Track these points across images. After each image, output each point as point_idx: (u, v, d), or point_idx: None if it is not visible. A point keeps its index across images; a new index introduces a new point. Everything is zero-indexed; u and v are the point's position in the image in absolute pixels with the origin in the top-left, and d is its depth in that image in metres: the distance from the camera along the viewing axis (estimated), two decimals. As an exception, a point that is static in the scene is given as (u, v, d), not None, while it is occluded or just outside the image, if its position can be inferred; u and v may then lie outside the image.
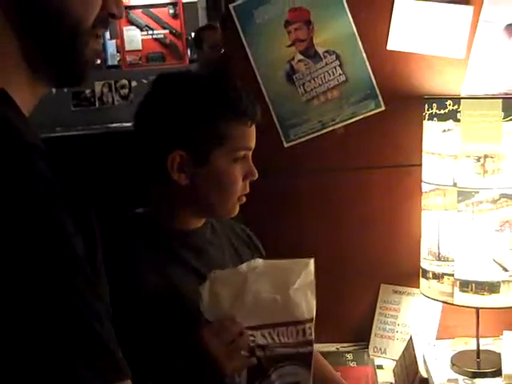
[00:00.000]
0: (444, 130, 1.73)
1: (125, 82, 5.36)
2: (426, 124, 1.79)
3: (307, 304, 1.19)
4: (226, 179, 1.33)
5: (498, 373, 1.78)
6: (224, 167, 1.32)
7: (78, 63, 0.79)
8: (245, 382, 1.15)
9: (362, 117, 1.97)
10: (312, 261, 1.20)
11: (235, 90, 1.38)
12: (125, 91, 5.31)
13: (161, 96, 1.37)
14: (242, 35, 1.95)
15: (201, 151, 1.31)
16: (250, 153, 1.41)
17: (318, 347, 2.04)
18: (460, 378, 1.82)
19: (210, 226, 1.44)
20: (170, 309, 1.24)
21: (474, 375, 1.81)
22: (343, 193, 2.01)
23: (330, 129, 1.98)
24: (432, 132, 1.77)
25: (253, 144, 1.41)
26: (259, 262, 1.20)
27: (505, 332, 1.86)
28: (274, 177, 2.01)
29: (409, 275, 1.96)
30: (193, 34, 5.52)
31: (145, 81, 5.07)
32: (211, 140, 1.32)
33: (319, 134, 1.99)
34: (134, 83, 5.36)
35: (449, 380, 1.81)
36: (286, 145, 2.00)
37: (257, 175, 1.38)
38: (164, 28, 5.80)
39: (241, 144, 1.36)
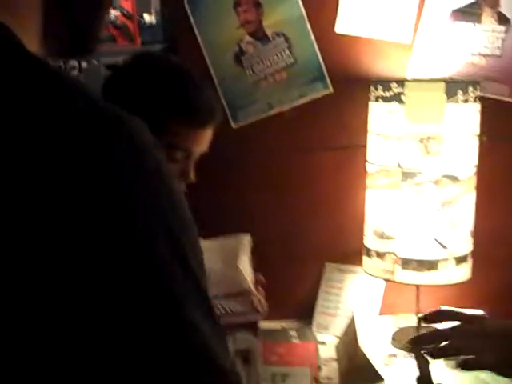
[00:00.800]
0: (389, 112, 1.77)
1: (75, 63, 5.28)
2: (372, 106, 1.83)
3: (251, 276, 1.22)
4: None
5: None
6: None
7: (98, 35, 0.77)
8: None
9: (309, 99, 1.99)
10: (249, 236, 1.22)
11: (197, 91, 1.38)
12: (75, 72, 5.23)
13: (131, 73, 1.40)
14: (190, 16, 1.96)
15: None
16: (196, 155, 1.40)
17: (263, 325, 2.07)
18: (400, 352, 1.87)
19: None
20: None
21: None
22: (290, 174, 2.04)
23: (278, 110, 2.01)
24: (377, 114, 1.81)
25: (199, 147, 1.39)
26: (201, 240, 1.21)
27: (442, 307, 1.92)
28: (221, 158, 2.02)
29: (353, 254, 2.00)
30: (144, 16, 5.45)
31: (95, 62, 5.00)
32: (154, 129, 1.30)
33: (267, 115, 2.01)
34: (84, 64, 5.28)
35: (389, 355, 1.86)
36: (233, 126, 2.02)
37: (191, 180, 1.35)
38: (115, 9, 5.72)
39: (181, 145, 1.35)
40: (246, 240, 1.23)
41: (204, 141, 1.38)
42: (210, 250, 1.21)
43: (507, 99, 1.94)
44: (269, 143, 2.03)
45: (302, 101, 1.99)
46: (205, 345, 0.56)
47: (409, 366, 1.81)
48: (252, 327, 1.21)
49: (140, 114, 1.23)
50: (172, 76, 1.38)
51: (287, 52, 1.98)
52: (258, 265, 2.08)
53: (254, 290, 1.22)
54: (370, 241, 1.86)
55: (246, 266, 1.22)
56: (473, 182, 1.78)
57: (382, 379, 1.70)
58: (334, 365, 1.82)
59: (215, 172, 2.04)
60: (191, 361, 0.55)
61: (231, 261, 1.20)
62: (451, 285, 1.81)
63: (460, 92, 1.72)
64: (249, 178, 2.05)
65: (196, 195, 2.02)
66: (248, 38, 1.97)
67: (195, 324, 0.56)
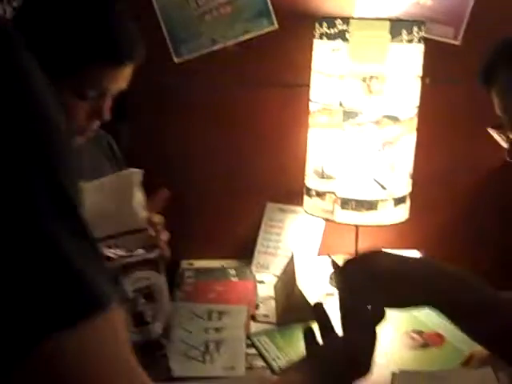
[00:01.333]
0: (333, 50, 1.74)
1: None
2: (316, 43, 1.79)
3: (145, 212, 1.20)
4: (65, 109, 1.24)
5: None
6: (66, 98, 1.18)
7: None
8: None
9: (254, 35, 1.94)
10: (140, 171, 1.18)
11: (117, 22, 1.23)
12: (16, 4, 5.02)
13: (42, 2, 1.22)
14: None
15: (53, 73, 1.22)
16: (111, 93, 1.26)
17: (203, 264, 2.08)
18: (337, 291, 1.89)
19: None
20: None
21: (351, 289, 1.89)
22: (233, 111, 2.00)
23: (222, 46, 1.96)
24: (321, 51, 1.77)
25: (115, 86, 1.25)
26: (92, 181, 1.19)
27: (382, 249, 1.93)
28: (164, 93, 1.98)
29: (294, 194, 1.99)
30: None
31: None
32: (67, 65, 1.18)
33: (211, 50, 1.96)
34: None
35: (327, 294, 1.88)
36: (176, 60, 1.96)
37: (107, 119, 1.24)
38: None
39: (96, 84, 1.21)
40: (138, 175, 1.18)
41: (122, 79, 1.25)
42: (103, 189, 1.17)
43: (451, 41, 1.93)
44: (212, 79, 1.99)
45: (247, 36, 1.94)
46: (65, 256, 0.55)
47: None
48: (152, 264, 1.19)
49: (50, 49, 1.13)
50: (88, 4, 1.20)
51: (232, -15, 1.92)
52: (199, 201, 2.07)
53: (150, 225, 1.19)
54: (310, 180, 1.85)
55: (139, 202, 1.19)
56: (413, 123, 1.78)
57: (318, 318, 1.72)
58: (272, 303, 1.83)
59: (157, 108, 2.00)
60: (48, 266, 0.54)
61: (124, 198, 1.17)
62: (390, 225, 1.82)
63: (404, 32, 1.69)
64: (192, 113, 2.01)
65: (139, 131, 1.99)
66: (192, -32, 1.91)
67: (55, 236, 0.54)
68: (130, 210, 1.17)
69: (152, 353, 1.22)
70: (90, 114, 1.22)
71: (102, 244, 1.12)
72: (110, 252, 1.14)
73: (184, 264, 2.08)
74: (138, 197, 1.19)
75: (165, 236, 1.27)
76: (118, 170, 1.36)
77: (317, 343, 1.00)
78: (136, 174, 1.19)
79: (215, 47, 1.95)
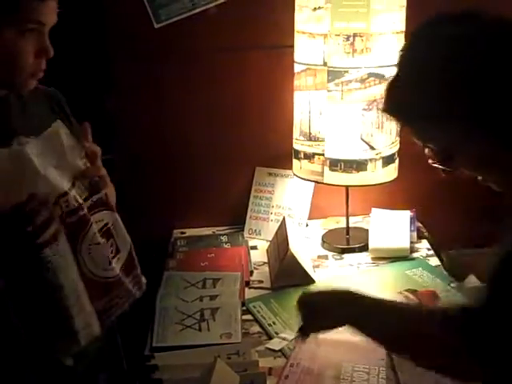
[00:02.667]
0: (315, 9, 1.70)
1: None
2: (298, 2, 1.75)
3: (80, 160, 1.20)
4: (11, 52, 1.23)
5: (365, 248, 1.87)
6: (9, 40, 1.19)
7: None
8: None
9: (234, -4, 1.91)
10: (59, 122, 1.17)
11: None
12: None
13: None
14: None
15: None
16: (46, 29, 1.26)
17: (195, 232, 2.07)
18: (330, 254, 1.89)
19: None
20: None
21: (343, 251, 1.89)
22: (216, 75, 1.97)
23: (202, 9, 1.91)
24: (303, 11, 1.74)
25: (49, 19, 1.25)
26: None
27: (373, 209, 1.94)
28: (144, 59, 1.94)
29: (283, 157, 1.97)
30: None
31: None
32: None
33: (191, 14, 1.91)
34: None
35: (319, 256, 1.88)
36: (156, 26, 1.92)
37: (51, 53, 1.26)
38: None
39: (32, 16, 1.21)
40: (60, 126, 1.18)
41: (51, 11, 1.25)
42: (37, 154, 1.16)
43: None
44: (193, 43, 1.95)
45: (227, -2, 1.90)
46: None
47: (338, 267, 1.84)
48: (103, 204, 1.21)
49: None
50: None
51: None
52: (188, 170, 2.05)
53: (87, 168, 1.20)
54: (298, 143, 1.83)
55: (72, 151, 1.18)
56: (400, 80, 1.75)
57: (312, 281, 1.72)
58: (266, 269, 1.83)
59: (138, 74, 1.96)
60: None
61: (60, 155, 1.16)
62: (379, 185, 1.81)
63: (387, -14, 1.66)
64: (174, 79, 1.97)
65: (124, 102, 1.96)
66: None
67: None
68: (67, 163, 1.16)
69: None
70: (35, 52, 1.23)
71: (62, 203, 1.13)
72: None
73: (176, 233, 2.07)
74: (70, 146, 1.18)
75: (103, 170, 1.26)
76: (67, 125, 1.36)
77: None
78: (58, 125, 1.18)
79: (195, 11, 1.91)
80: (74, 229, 1.14)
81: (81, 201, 1.15)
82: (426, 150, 1.11)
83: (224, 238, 2.00)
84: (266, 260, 1.88)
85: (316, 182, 1.84)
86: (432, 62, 1.02)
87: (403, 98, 1.07)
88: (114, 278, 1.20)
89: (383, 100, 1.11)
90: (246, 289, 1.72)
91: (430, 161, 1.12)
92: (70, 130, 1.21)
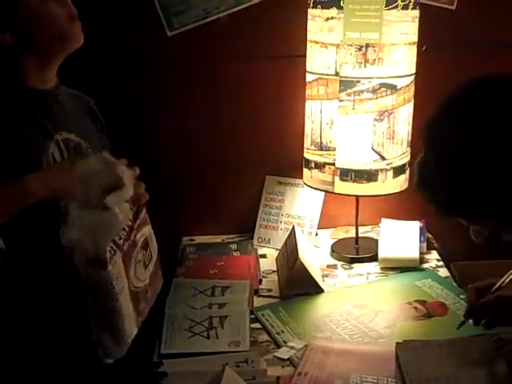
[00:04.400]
0: (327, 19, 1.71)
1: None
2: (311, 12, 1.76)
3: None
4: (44, 16, 1.28)
5: (374, 258, 1.87)
6: (35, 6, 1.26)
7: None
8: None
9: (246, 5, 1.91)
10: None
11: None
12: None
13: None
14: None
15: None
16: None
17: (204, 239, 2.07)
18: (339, 263, 1.89)
19: (63, 92, 1.42)
20: (22, 165, 1.21)
21: (352, 260, 1.89)
22: (228, 83, 1.98)
23: (215, 17, 1.92)
24: (316, 21, 1.74)
25: None
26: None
27: (383, 219, 1.94)
28: (157, 66, 1.95)
29: (293, 166, 1.98)
30: None
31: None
32: None
33: (203, 22, 1.93)
34: None
35: (328, 266, 1.88)
36: (169, 34, 1.93)
37: (76, 14, 1.31)
38: None
39: None
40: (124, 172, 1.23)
41: None
42: (116, 202, 1.20)
43: (446, 6, 1.90)
44: (205, 51, 1.96)
45: (239, 7, 1.91)
46: None
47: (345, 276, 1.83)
48: (145, 221, 1.29)
49: None
50: None
51: (223, -45, 1.88)
52: (198, 178, 2.06)
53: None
54: (309, 152, 1.84)
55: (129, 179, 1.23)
56: (411, 90, 1.76)
57: (321, 290, 1.72)
58: (275, 277, 1.83)
59: (151, 81, 1.97)
60: None
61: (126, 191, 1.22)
62: (390, 195, 1.81)
63: (400, -2, 1.66)
64: (185, 87, 1.98)
65: (134, 109, 1.98)
66: None
67: None
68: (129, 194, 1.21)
69: None
70: (66, 16, 1.30)
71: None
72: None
73: (185, 240, 2.07)
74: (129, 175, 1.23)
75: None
76: (101, 135, 1.46)
77: None
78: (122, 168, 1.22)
79: (208, 19, 1.92)
80: (128, 251, 1.21)
81: (131, 224, 1.20)
82: (471, 230, 1.11)
83: (233, 246, 2.00)
84: (274, 268, 1.88)
85: (326, 191, 1.84)
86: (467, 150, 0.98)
87: (445, 196, 1.04)
88: (147, 283, 1.29)
89: (418, 181, 1.09)
90: (255, 297, 1.72)
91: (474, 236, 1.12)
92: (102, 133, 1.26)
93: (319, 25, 1.73)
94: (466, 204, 1.01)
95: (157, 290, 1.37)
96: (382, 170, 1.75)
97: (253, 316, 1.62)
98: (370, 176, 1.75)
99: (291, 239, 1.84)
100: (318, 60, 1.76)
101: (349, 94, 1.71)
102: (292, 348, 1.47)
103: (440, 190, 1.04)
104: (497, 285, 1.37)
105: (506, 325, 1.38)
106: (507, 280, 1.40)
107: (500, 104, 0.99)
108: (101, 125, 1.52)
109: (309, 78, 1.80)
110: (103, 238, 1.13)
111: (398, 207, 1.98)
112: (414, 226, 1.89)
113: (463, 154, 0.99)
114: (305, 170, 1.87)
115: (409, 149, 1.80)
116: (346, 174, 1.76)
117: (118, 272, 1.16)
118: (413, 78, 1.75)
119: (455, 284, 1.74)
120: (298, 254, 1.71)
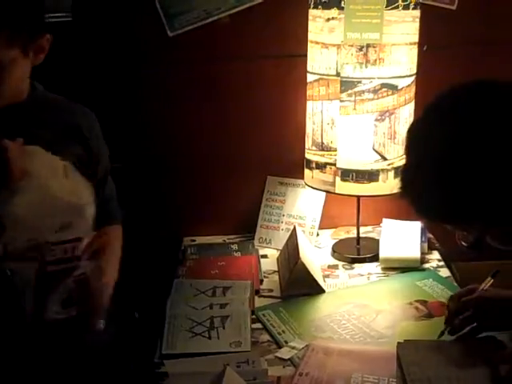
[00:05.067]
0: (328, 19, 1.71)
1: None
2: (311, 13, 1.76)
3: None
4: None
5: (375, 258, 1.87)
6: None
7: None
8: None
9: (247, 5, 1.91)
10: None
11: None
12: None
13: None
14: None
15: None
16: None
17: (205, 239, 2.07)
18: (340, 263, 1.89)
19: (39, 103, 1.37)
20: None
21: (353, 261, 1.89)
22: (228, 83, 1.98)
23: (216, 18, 1.93)
24: (317, 21, 1.74)
25: None
26: None
27: (384, 219, 1.94)
28: (158, 67, 1.95)
29: (295, 167, 1.98)
30: None
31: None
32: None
33: (204, 23, 1.93)
34: None
35: (329, 266, 1.88)
36: (170, 34, 1.93)
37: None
38: None
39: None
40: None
41: None
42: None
43: (447, 6, 1.90)
44: (206, 52, 1.96)
45: (240, 8, 1.91)
46: None
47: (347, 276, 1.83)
48: None
49: None
50: None
51: (224, -45, 1.88)
52: (199, 178, 2.06)
53: None
54: (310, 152, 1.84)
55: None
56: (412, 91, 1.76)
57: (322, 290, 1.72)
58: (276, 277, 1.83)
59: (152, 82, 1.97)
60: None
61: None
62: (390, 195, 1.80)
63: (401, -2, 1.67)
64: (186, 87, 1.98)
65: (134, 109, 1.98)
66: None
67: None
68: None
69: None
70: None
71: None
72: None
73: (186, 241, 2.07)
74: None
75: None
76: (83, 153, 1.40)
77: None
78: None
79: (209, 20, 1.92)
80: None
81: None
82: (457, 234, 1.12)
83: (234, 247, 2.00)
84: (276, 269, 1.88)
85: (327, 191, 1.84)
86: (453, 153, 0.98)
87: (429, 201, 1.04)
88: None
89: (402, 186, 1.09)
90: (256, 297, 1.72)
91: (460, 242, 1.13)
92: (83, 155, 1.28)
93: (320, 25, 1.73)
94: (450, 207, 1.01)
95: None
96: (383, 170, 1.75)
97: (254, 316, 1.62)
98: (371, 176, 1.75)
99: (292, 239, 1.84)
100: (318, 60, 1.76)
101: (350, 95, 1.71)
102: (293, 348, 1.47)
103: (424, 195, 1.04)
104: (479, 289, 1.40)
105: (490, 330, 1.38)
106: (488, 285, 1.41)
107: (482, 108, 0.99)
108: (83, 145, 1.41)
109: (310, 78, 1.80)
110: None
111: (399, 207, 1.97)
112: (415, 226, 1.89)
113: (447, 157, 0.99)
114: (306, 171, 1.87)
115: (410, 149, 1.80)
116: (347, 175, 1.76)
117: None
118: (414, 78, 1.75)
119: (456, 284, 1.74)
120: (299, 255, 1.71)
